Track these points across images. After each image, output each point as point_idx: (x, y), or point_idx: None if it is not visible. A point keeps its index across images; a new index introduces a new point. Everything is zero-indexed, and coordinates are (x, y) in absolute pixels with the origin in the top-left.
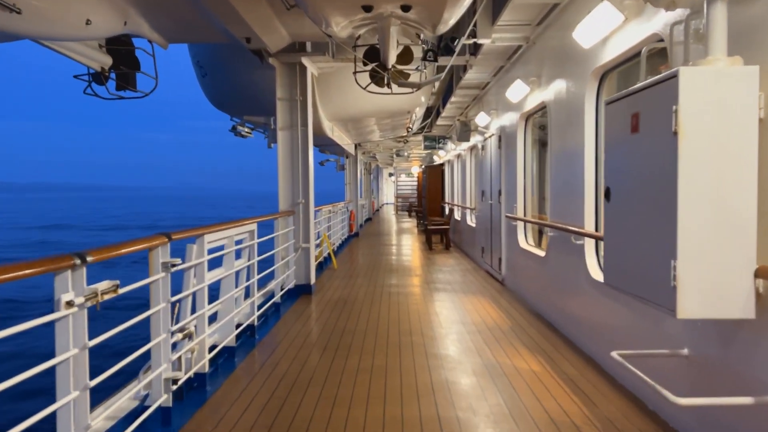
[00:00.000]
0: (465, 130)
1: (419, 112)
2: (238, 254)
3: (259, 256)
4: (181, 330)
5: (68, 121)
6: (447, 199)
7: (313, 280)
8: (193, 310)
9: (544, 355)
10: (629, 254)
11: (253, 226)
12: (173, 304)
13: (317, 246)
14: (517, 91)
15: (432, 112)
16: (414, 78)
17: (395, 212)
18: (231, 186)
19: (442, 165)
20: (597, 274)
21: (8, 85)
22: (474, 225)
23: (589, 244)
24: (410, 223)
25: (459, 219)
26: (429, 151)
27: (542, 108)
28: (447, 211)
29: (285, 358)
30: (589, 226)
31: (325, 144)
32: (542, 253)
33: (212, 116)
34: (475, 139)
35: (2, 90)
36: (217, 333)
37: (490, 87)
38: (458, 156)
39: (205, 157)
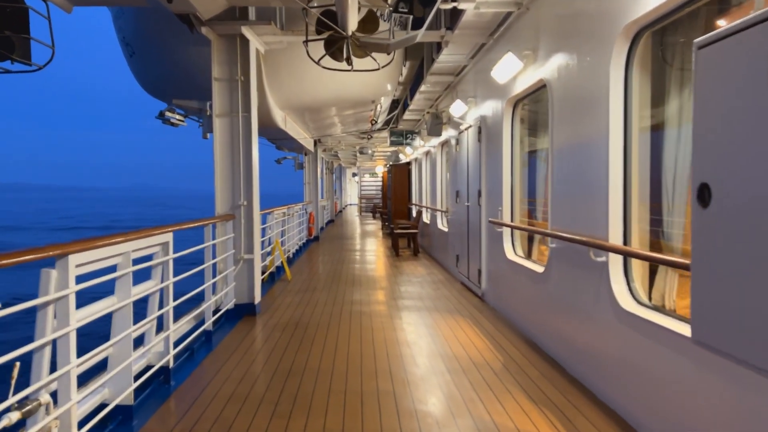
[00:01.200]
0: (436, 124)
1: (384, 103)
2: (148, 274)
3: (188, 270)
4: (20, 406)
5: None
6: (414, 200)
7: (258, 298)
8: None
9: (556, 412)
10: (745, 297)
11: (167, 237)
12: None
13: (268, 254)
14: (506, 68)
15: (398, 105)
16: (380, 42)
17: (359, 213)
18: (197, 187)
19: (408, 164)
20: (627, 302)
21: None
22: (446, 229)
23: (615, 262)
24: (374, 226)
25: (428, 222)
26: (395, 147)
27: (538, 89)
28: (415, 213)
29: (204, 419)
30: (616, 238)
31: (278, 138)
32: (539, 269)
33: None
34: (448, 133)
35: None
36: (108, 387)
37: (467, 72)
38: (427, 153)
39: (166, 158)
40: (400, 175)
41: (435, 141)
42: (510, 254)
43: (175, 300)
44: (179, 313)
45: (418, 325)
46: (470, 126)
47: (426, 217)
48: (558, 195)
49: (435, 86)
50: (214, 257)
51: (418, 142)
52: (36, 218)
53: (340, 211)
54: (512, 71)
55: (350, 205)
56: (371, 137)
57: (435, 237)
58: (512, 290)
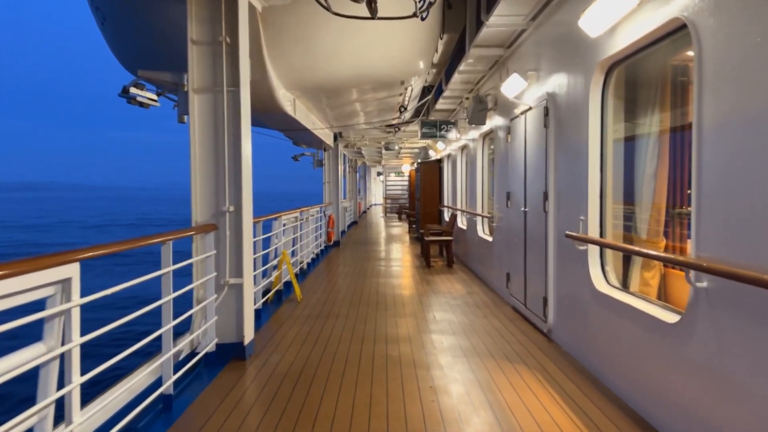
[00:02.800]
0: (479, 110)
1: (416, 86)
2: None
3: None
4: None
5: (47, 120)
6: (447, 202)
7: (249, 336)
8: None
9: None
10: None
11: (71, 271)
12: None
13: (274, 268)
14: (605, 12)
15: (430, 93)
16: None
17: (384, 214)
18: None
19: (439, 161)
20: None
21: None
22: (490, 238)
23: None
24: (400, 228)
25: (464, 228)
26: (427, 141)
27: (657, 40)
28: (448, 217)
29: None
30: None
31: (286, 128)
32: (665, 315)
33: None
34: (494, 122)
35: None
36: None
37: (524, 40)
38: (463, 148)
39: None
40: (430, 174)
41: (474, 133)
42: (599, 283)
43: (89, 369)
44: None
45: (467, 382)
46: (529, 108)
47: (461, 222)
48: (715, 201)
49: (478, 63)
50: (179, 284)
51: (453, 134)
52: (65, 216)
53: (364, 212)
54: (614, 15)
55: (375, 205)
56: (398, 130)
57: (473, 246)
58: (605, 337)
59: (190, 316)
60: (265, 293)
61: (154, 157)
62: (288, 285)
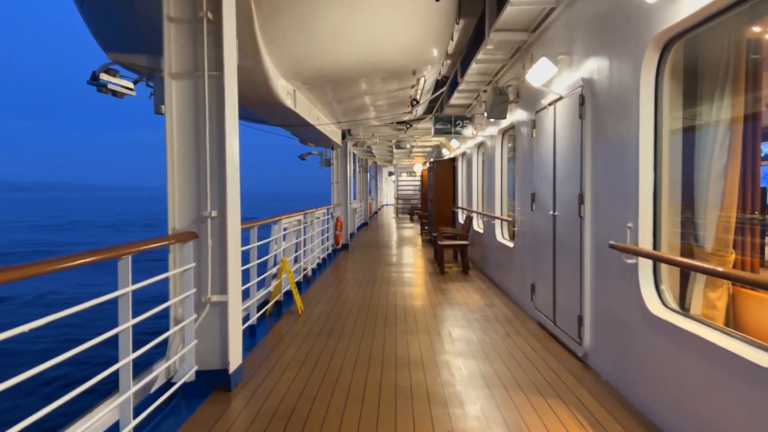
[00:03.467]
0: (500, 102)
1: (429, 77)
2: None
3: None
4: None
5: (60, 122)
6: (461, 203)
7: (236, 361)
8: None
9: None
10: None
11: None
12: None
13: (273, 277)
14: None
15: (444, 86)
16: None
17: (395, 215)
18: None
19: (453, 160)
20: None
21: (7, 85)
22: (510, 244)
23: None
24: (412, 230)
25: (481, 231)
26: (441, 138)
27: (738, 1)
28: (463, 219)
29: None
30: None
31: (286, 123)
32: (750, 353)
33: None
34: (515, 116)
35: (2, 89)
36: None
37: (553, 20)
38: (479, 146)
39: None
40: (443, 174)
41: (492, 129)
42: (653, 305)
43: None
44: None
45: (494, 425)
46: (560, 98)
47: (477, 225)
48: None
49: (498, 50)
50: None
51: (468, 131)
52: (81, 216)
53: (375, 213)
54: None
55: (386, 205)
56: (410, 126)
57: (491, 251)
58: (661, 370)
59: (166, 340)
60: (263, 305)
61: (161, 157)
62: (289, 295)
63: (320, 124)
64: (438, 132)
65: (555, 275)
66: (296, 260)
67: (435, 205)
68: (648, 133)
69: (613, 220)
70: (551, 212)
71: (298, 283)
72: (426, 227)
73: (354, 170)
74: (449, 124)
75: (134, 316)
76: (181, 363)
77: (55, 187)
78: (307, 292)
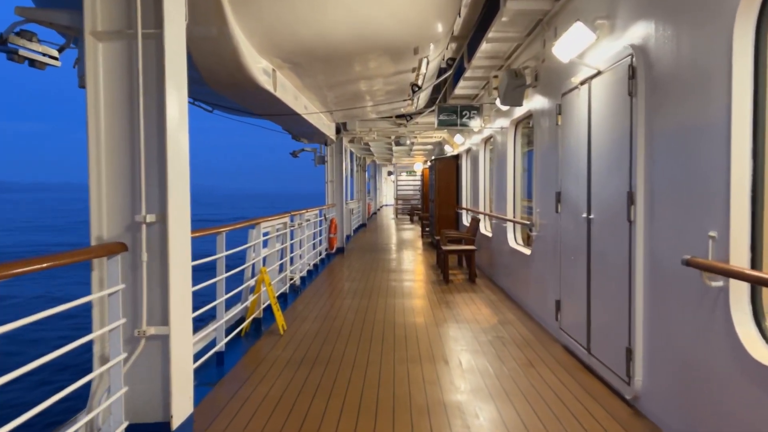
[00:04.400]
0: (515, 86)
1: (433, 58)
2: None
3: None
4: None
5: (62, 123)
6: (466, 203)
7: (183, 413)
8: None
9: None
10: None
11: None
12: None
13: (251, 291)
14: None
15: (449, 72)
16: None
17: (395, 216)
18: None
19: (457, 157)
20: None
21: (6, 85)
22: (527, 251)
23: None
24: (413, 232)
25: (489, 234)
26: (445, 130)
27: None
28: (468, 221)
29: None
30: None
31: (267, 110)
32: None
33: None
34: (535, 102)
35: (5, 91)
36: None
37: None
38: (487, 140)
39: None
40: (446, 172)
41: (503, 120)
42: (755, 346)
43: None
44: None
45: None
46: (597, 73)
47: (485, 227)
48: None
49: (513, 26)
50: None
51: (476, 123)
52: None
53: (374, 213)
54: None
55: (386, 206)
56: (410, 119)
57: (502, 257)
58: None
59: (89, 384)
60: (241, 321)
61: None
62: (271, 309)
63: (309, 113)
64: (442, 124)
65: (590, 292)
66: (282, 268)
67: (437, 206)
68: (744, 113)
69: (681, 226)
70: (584, 215)
71: (283, 295)
72: (427, 229)
73: (351, 169)
74: (454, 114)
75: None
76: (107, 416)
77: (54, 187)
78: (294, 305)
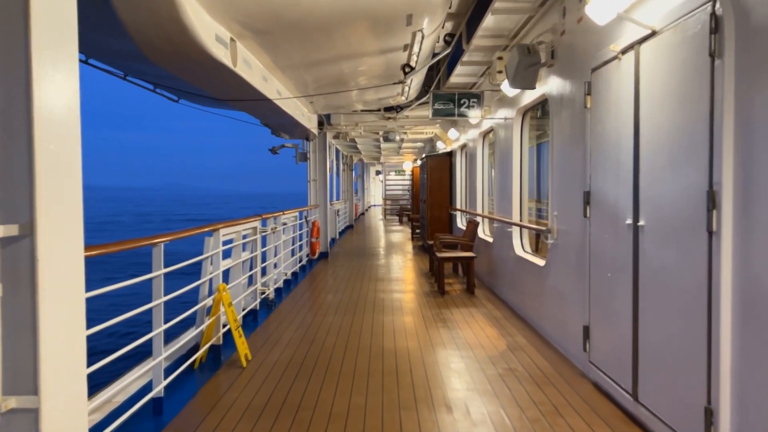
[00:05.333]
0: (528, 65)
1: (427, 39)
2: None
3: None
4: None
5: None
6: (459, 204)
7: None
8: None
9: None
10: None
11: None
12: None
13: (207, 312)
14: None
15: (449, 49)
16: None
17: (383, 217)
18: (223, 187)
19: (450, 154)
20: None
21: None
22: (541, 263)
23: None
24: (402, 234)
25: (490, 240)
26: (441, 121)
27: None
28: (463, 223)
29: None
30: None
31: (227, 94)
32: None
33: (197, 117)
34: (551, 84)
35: None
36: None
37: None
38: (486, 134)
39: (188, 157)
40: (438, 170)
41: (506, 111)
42: None
43: None
44: None
45: None
46: (651, 33)
47: (484, 231)
48: None
49: None
50: None
51: (476, 113)
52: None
53: (362, 214)
54: None
55: (374, 206)
56: (400, 111)
57: (505, 265)
58: None
59: None
60: (193, 351)
61: (148, 158)
62: (226, 340)
63: (281, 98)
64: (437, 114)
65: (636, 321)
66: (252, 280)
67: (429, 207)
68: None
69: None
70: (628, 221)
71: (252, 313)
72: (417, 231)
73: (338, 167)
74: (451, 103)
75: None
76: None
77: None
78: (266, 323)
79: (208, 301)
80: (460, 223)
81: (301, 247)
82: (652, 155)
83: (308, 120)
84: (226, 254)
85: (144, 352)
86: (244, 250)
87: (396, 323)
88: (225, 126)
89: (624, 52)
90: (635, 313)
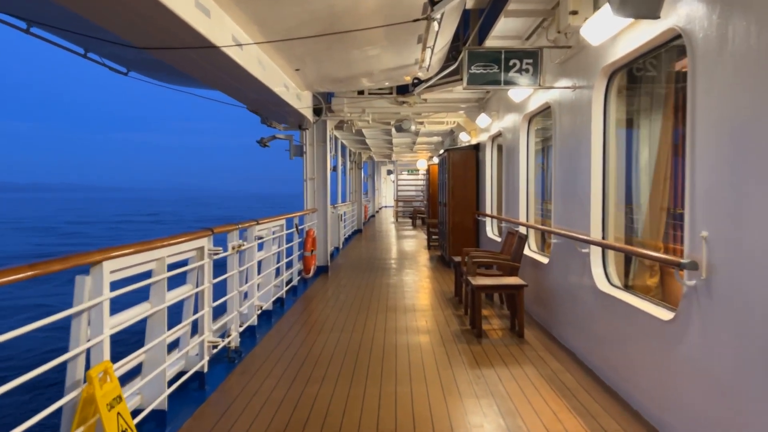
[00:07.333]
0: None
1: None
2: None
3: None
4: None
5: (62, 123)
6: (488, 209)
7: None
8: None
9: None
10: None
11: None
12: None
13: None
14: None
15: (477, 17)
16: None
17: (395, 219)
18: (232, 188)
19: (476, 147)
20: None
21: (5, 86)
22: (665, 315)
23: None
24: (416, 240)
25: (544, 261)
26: (480, 89)
27: None
28: (493, 232)
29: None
30: None
31: (197, 65)
32: None
33: (205, 118)
34: (693, 6)
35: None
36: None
37: None
38: (532, 116)
39: (197, 159)
40: (462, 166)
41: (576, 77)
42: None
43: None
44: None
45: None
46: None
47: (530, 247)
48: None
49: None
50: None
51: (528, 80)
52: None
53: (372, 216)
54: None
55: (385, 207)
56: (417, 83)
57: (575, 304)
58: None
59: None
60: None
61: (159, 158)
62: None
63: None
64: (474, 81)
65: None
66: (193, 330)
67: (451, 212)
68: None
69: None
70: None
71: (195, 379)
72: (435, 237)
73: (344, 166)
74: (495, 65)
75: None
76: None
77: (54, 188)
78: (224, 386)
79: (74, 395)
80: (490, 231)
81: (290, 263)
82: None
83: (297, 99)
84: (141, 294)
85: None
86: (186, 282)
87: (416, 396)
88: (232, 127)
89: None
90: None
